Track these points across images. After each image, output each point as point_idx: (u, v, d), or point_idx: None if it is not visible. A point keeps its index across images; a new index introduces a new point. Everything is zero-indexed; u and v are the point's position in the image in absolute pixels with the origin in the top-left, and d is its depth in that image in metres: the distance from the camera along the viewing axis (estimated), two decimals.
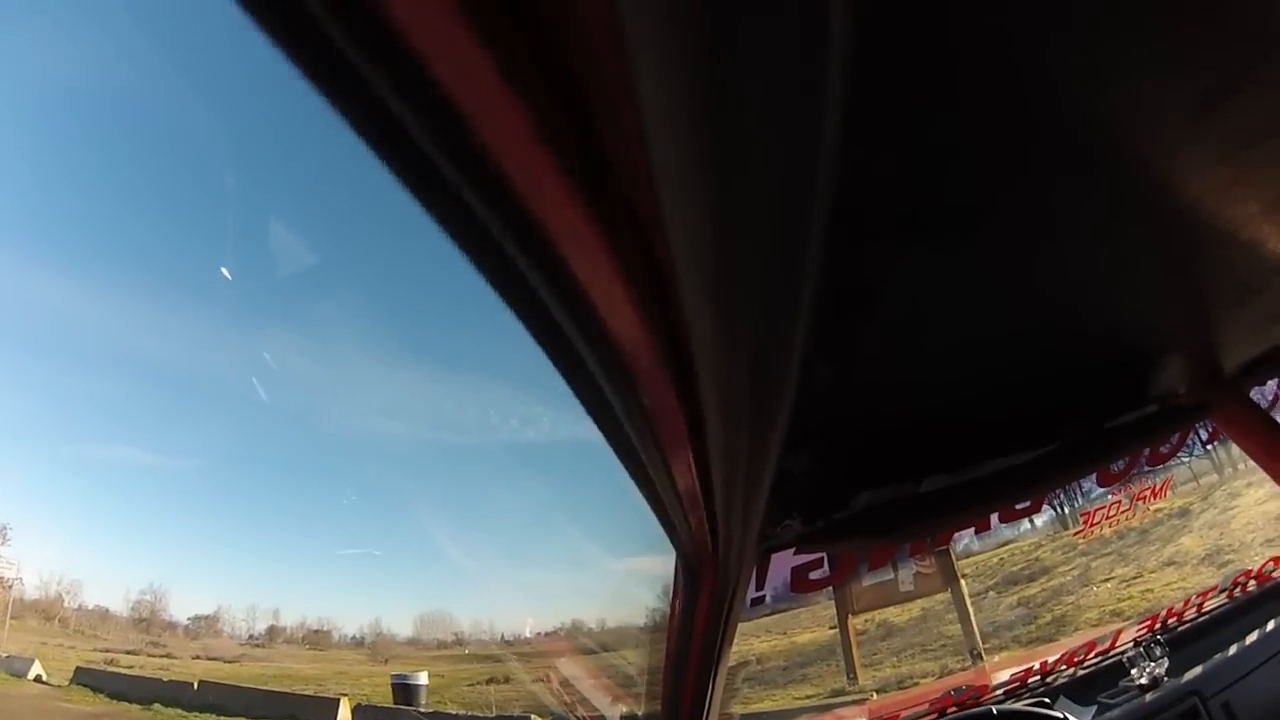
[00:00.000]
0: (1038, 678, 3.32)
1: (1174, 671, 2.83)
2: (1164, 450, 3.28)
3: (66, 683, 18.46)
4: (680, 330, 0.73)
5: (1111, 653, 3.28)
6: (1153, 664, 2.84)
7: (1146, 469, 3.56)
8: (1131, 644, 3.09)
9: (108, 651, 23.93)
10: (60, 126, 33.97)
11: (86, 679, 18.57)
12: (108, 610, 30.17)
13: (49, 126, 34.07)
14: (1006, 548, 10.57)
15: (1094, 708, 2.88)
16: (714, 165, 0.53)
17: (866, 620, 8.84)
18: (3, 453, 35.55)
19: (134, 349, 39.60)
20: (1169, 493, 4.19)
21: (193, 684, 17.86)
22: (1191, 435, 3.48)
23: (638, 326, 0.73)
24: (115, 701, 16.89)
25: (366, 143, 0.52)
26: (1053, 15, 0.90)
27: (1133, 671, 2.87)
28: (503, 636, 26.08)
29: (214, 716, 15.83)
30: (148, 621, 29.94)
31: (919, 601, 8.19)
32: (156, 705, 16.43)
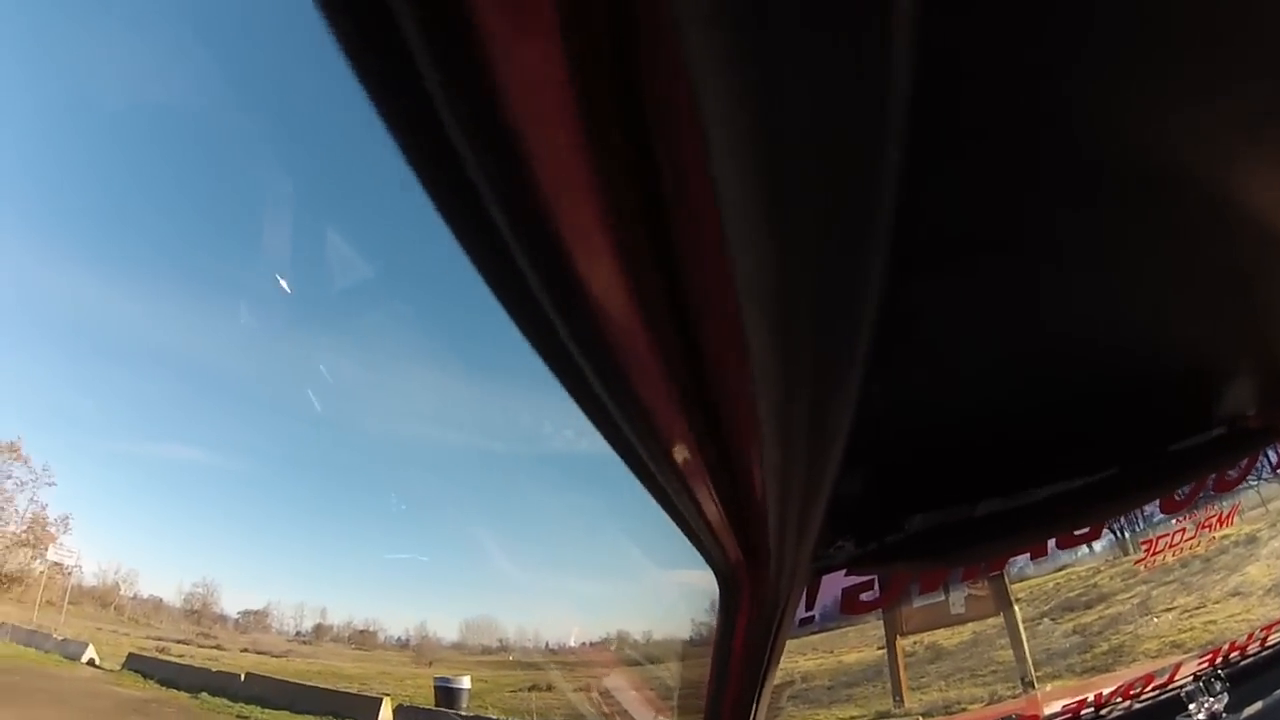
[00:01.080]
0: (1091, 710, 3.21)
1: (1233, 708, 2.74)
2: (1231, 476, 3.15)
3: (118, 667, 19.01)
4: (710, 354, 0.73)
5: (1169, 686, 3.16)
6: (1212, 699, 2.75)
7: (1212, 494, 3.41)
8: (1191, 678, 2.99)
9: (159, 640, 24.65)
10: (127, 133, 35.37)
11: (138, 665, 19.11)
12: (161, 600, 31.17)
13: (114, 132, 35.48)
14: (1063, 572, 10.27)
15: None
16: (779, 192, 0.53)
17: (915, 642, 8.66)
18: (69, 447, 37.03)
19: (194, 354, 40.99)
20: (1236, 519, 4.02)
21: (240, 675, 18.26)
22: (1260, 459, 3.33)
23: (651, 352, 0.73)
24: (164, 688, 17.33)
25: (411, 163, 0.53)
26: (1096, 40, 0.90)
27: (1190, 707, 2.78)
28: (546, 644, 26.20)
29: (259, 708, 16.14)
30: (199, 613, 30.82)
31: (970, 625, 8.00)
32: (204, 694, 16.83)
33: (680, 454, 0.95)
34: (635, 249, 0.60)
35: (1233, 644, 3.38)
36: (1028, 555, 4.06)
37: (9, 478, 27.02)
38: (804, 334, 0.68)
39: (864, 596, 2.77)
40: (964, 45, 0.81)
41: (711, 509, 1.20)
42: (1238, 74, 0.99)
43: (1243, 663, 3.22)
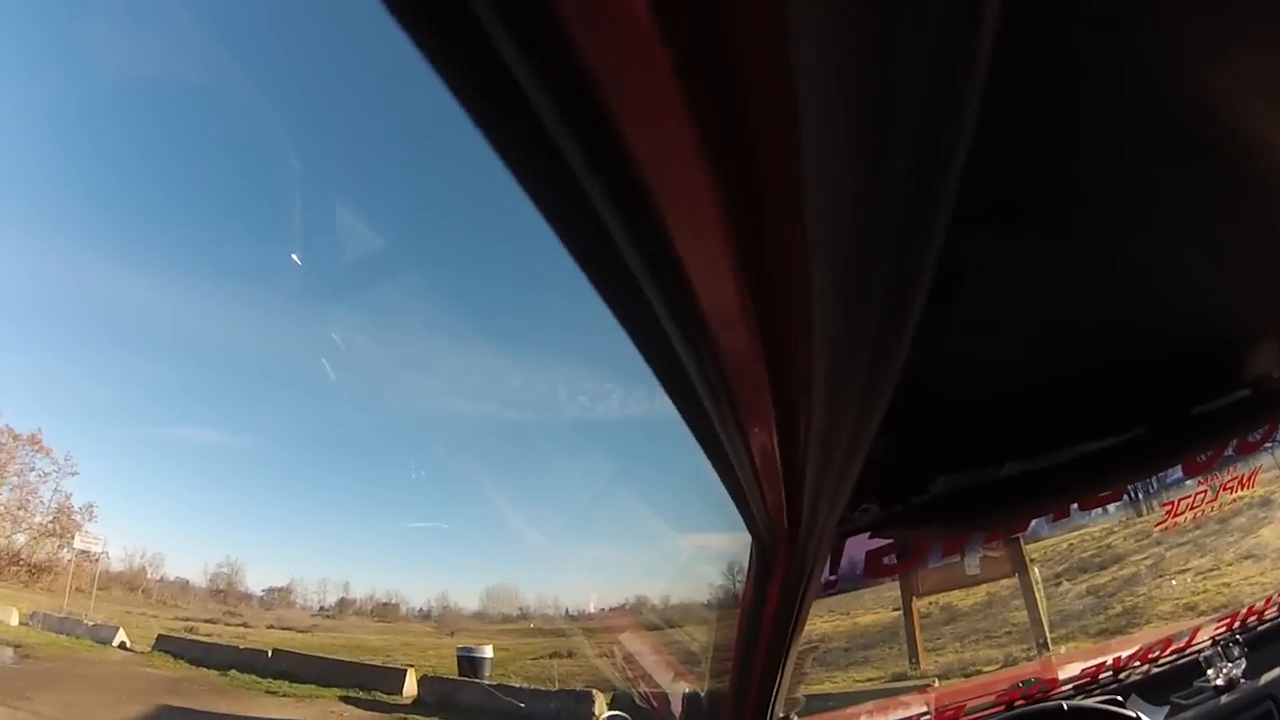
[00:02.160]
0: (1109, 673, 3.20)
1: (1251, 674, 2.75)
2: (1254, 438, 3.14)
3: (149, 649, 19.31)
4: (785, 308, 0.74)
5: (1188, 651, 3.15)
6: (1230, 664, 2.74)
7: (1234, 457, 3.40)
8: (1209, 642, 3.00)
9: (187, 620, 25.03)
10: (131, 120, 35.22)
11: (167, 646, 19.41)
12: (188, 582, 31.67)
13: (118, 121, 35.36)
14: (1077, 533, 10.27)
15: (1167, 708, 2.79)
16: (858, 147, 0.54)
17: (930, 603, 8.71)
18: (88, 435, 37.48)
19: (210, 336, 41.10)
20: (1255, 482, 4.00)
21: (267, 652, 18.53)
22: None
23: (733, 301, 0.73)
24: (195, 667, 17.61)
25: (477, 111, 0.52)
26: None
27: (1209, 672, 2.78)
28: (567, 611, 26.43)
29: (286, 683, 16.40)
30: (225, 593, 31.34)
31: (984, 586, 8.04)
32: (233, 671, 17.11)
33: (747, 407, 0.96)
34: (717, 206, 0.60)
35: (1250, 608, 3.37)
36: (1046, 517, 4.05)
37: (32, 470, 27.42)
38: (870, 292, 0.69)
39: (886, 559, 2.79)
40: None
41: (765, 466, 1.22)
42: None
43: (1260, 628, 3.22)
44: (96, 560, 26.43)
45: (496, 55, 0.46)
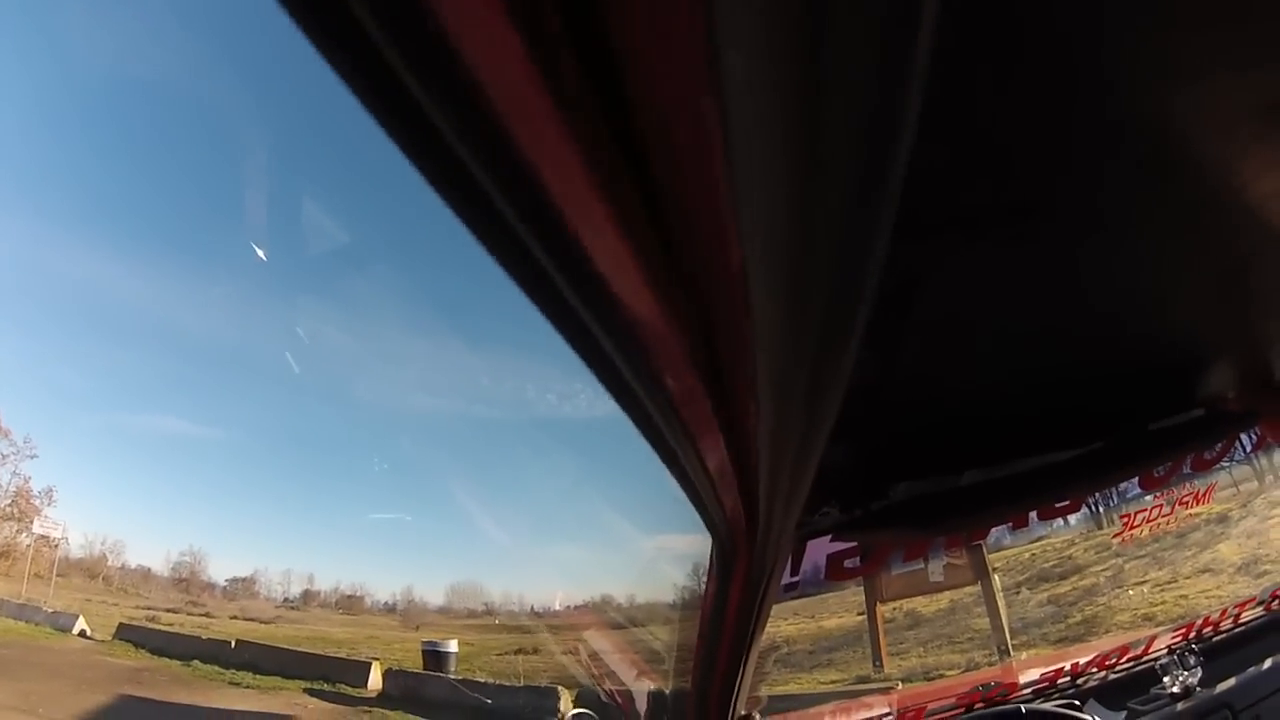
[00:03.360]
0: (1068, 678, 3.25)
1: (1207, 682, 2.78)
2: (1209, 456, 3.21)
3: (109, 638, 18.98)
4: (723, 317, 0.74)
5: (1144, 658, 3.20)
6: (1186, 673, 2.79)
7: (1190, 473, 3.47)
8: (1165, 651, 3.03)
9: (149, 609, 24.64)
10: (101, 109, 34.60)
11: (128, 635, 19.09)
12: (149, 570, 31.12)
13: (90, 110, 34.73)
14: (1039, 543, 10.41)
15: (1124, 713, 2.84)
16: (795, 153, 0.54)
17: (894, 608, 8.77)
18: (51, 419, 36.72)
19: (175, 323, 40.42)
20: (1210, 498, 4.09)
21: (230, 643, 18.28)
22: (1236, 441, 3.38)
23: (658, 311, 0.73)
24: (156, 657, 17.34)
25: (384, 124, 0.51)
26: (1115, 13, 0.90)
27: (1165, 679, 2.81)
28: (532, 608, 26.33)
29: (250, 674, 16.21)
30: (188, 582, 30.84)
31: (948, 593, 8.13)
32: (195, 662, 16.87)
33: (690, 413, 0.97)
34: (632, 207, 0.60)
35: (1206, 619, 3.44)
36: (1006, 526, 4.11)
37: None
38: (810, 298, 0.70)
39: (848, 563, 2.81)
40: (984, 12, 0.81)
41: (720, 473, 1.22)
42: (1251, 60, 1.00)
43: (1216, 638, 3.29)
44: (56, 546, 25.92)
45: (393, 73, 0.45)
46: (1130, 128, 1.14)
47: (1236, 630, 3.33)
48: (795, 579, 2.64)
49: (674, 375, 0.86)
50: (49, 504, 27.33)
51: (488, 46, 0.45)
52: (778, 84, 0.48)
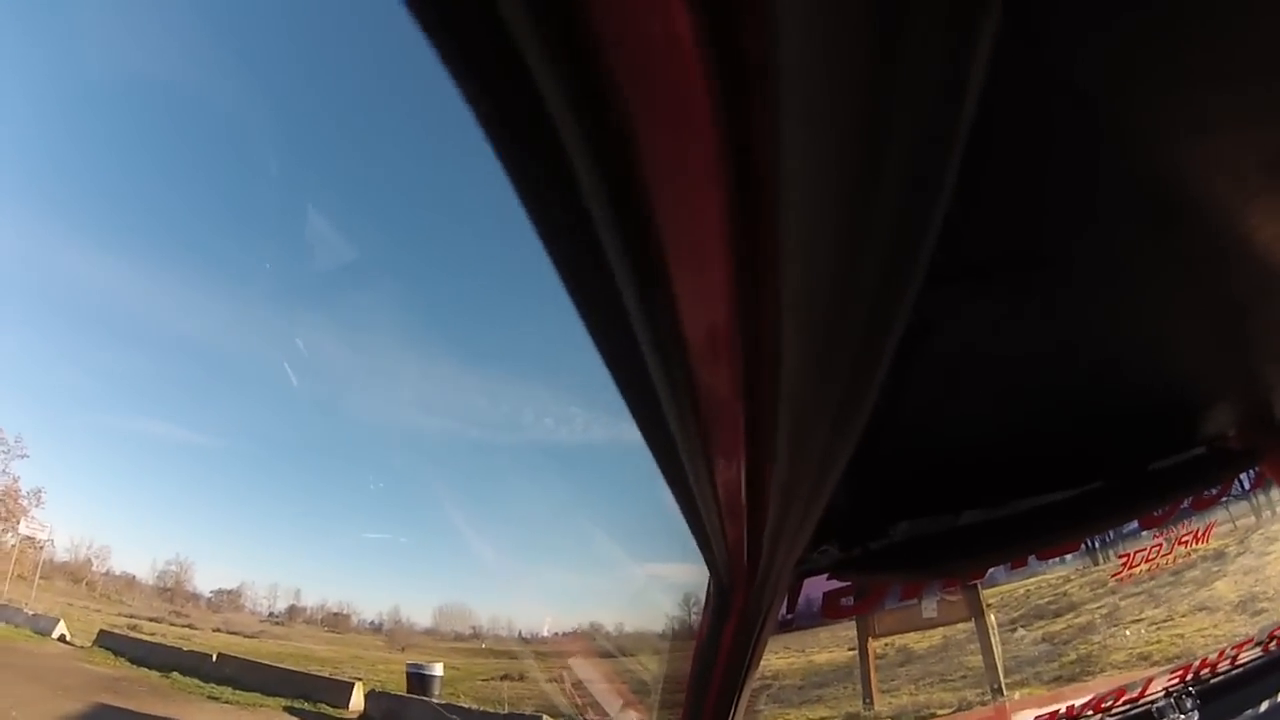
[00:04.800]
0: None
1: None
2: (1208, 495, 3.19)
3: (89, 644, 18.84)
4: (761, 356, 0.72)
5: (1141, 701, 3.17)
6: (1183, 715, 2.76)
7: (1190, 512, 3.45)
8: (1162, 693, 3.01)
9: (131, 617, 24.48)
10: (115, 113, 34.92)
11: (109, 642, 18.94)
12: (134, 577, 30.99)
13: (103, 113, 35.03)
14: (1033, 580, 10.37)
15: None
16: (847, 193, 0.53)
17: (885, 644, 8.73)
18: (44, 419, 36.59)
19: (175, 329, 40.59)
20: (1210, 538, 4.08)
21: (212, 656, 18.12)
22: (1236, 480, 3.37)
23: (721, 337, 0.71)
24: (135, 666, 17.19)
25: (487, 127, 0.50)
26: (1124, 69, 0.91)
27: None
28: (520, 633, 26.27)
29: (230, 689, 16.04)
30: (172, 591, 30.68)
31: (941, 629, 8.07)
32: (175, 674, 16.71)
33: (716, 436, 0.94)
34: (738, 239, 0.58)
35: (1204, 660, 3.40)
36: (1002, 566, 4.09)
37: None
38: (837, 359, 0.68)
39: (844, 601, 2.79)
40: (999, 69, 0.82)
41: (729, 503, 1.20)
42: (1252, 116, 1.00)
43: (1214, 680, 3.25)
44: (41, 548, 25.78)
45: (514, 54, 0.43)
46: (1135, 180, 1.15)
47: (1234, 672, 3.29)
48: (790, 615, 2.60)
49: (712, 403, 0.83)
50: (37, 505, 27.27)
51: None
52: (836, 125, 0.48)
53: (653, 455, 1.05)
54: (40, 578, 24.57)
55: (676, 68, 0.45)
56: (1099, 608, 9.57)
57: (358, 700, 16.17)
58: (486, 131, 0.50)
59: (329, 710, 15.66)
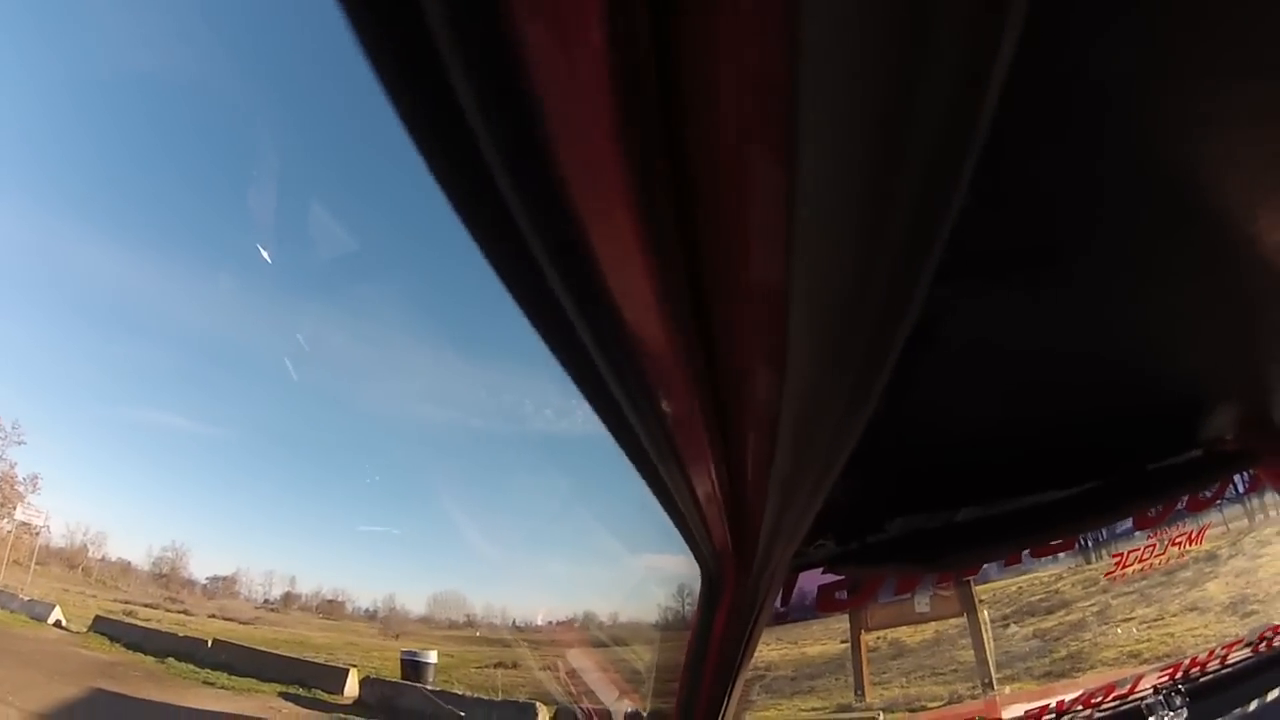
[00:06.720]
0: (1053, 715, 3.24)
1: None
2: (1205, 496, 3.20)
3: (85, 630, 18.80)
4: (734, 338, 0.72)
5: (1130, 697, 3.18)
6: (1172, 713, 2.77)
7: (1185, 513, 3.46)
8: (1151, 690, 3.02)
9: (127, 603, 24.43)
10: (122, 105, 34.74)
11: (104, 628, 18.91)
12: (130, 563, 30.89)
13: (112, 105, 34.86)
14: (1025, 577, 10.38)
15: None
16: (859, 218, 0.54)
17: (878, 638, 8.75)
18: (42, 406, 36.52)
19: (175, 318, 40.45)
20: (1204, 539, 4.09)
21: (207, 642, 18.11)
22: (1231, 482, 3.38)
23: (664, 329, 0.72)
24: (131, 652, 17.17)
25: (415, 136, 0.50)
26: (1139, 67, 0.90)
27: (1150, 719, 2.81)
28: (514, 622, 26.23)
29: (225, 675, 16.03)
30: (168, 577, 30.61)
31: (933, 624, 8.10)
32: (170, 659, 16.70)
33: (684, 439, 0.94)
34: (661, 238, 0.59)
35: (1194, 659, 3.42)
36: (997, 562, 4.09)
37: None
38: (847, 357, 0.68)
39: (839, 595, 2.79)
40: (1012, 67, 0.82)
41: (708, 502, 1.20)
42: (1270, 121, 1.00)
43: (1203, 679, 3.26)
44: (37, 533, 25.68)
45: (451, 90, 0.44)
46: (1146, 179, 1.15)
47: (1224, 671, 3.30)
48: (784, 609, 2.61)
49: (672, 398, 0.83)
50: (33, 491, 27.15)
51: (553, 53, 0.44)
52: (855, 115, 0.48)
53: (628, 458, 1.05)
54: (36, 563, 24.50)
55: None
56: (1091, 605, 9.58)
57: (352, 687, 16.18)
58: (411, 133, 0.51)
59: (324, 696, 15.67)
